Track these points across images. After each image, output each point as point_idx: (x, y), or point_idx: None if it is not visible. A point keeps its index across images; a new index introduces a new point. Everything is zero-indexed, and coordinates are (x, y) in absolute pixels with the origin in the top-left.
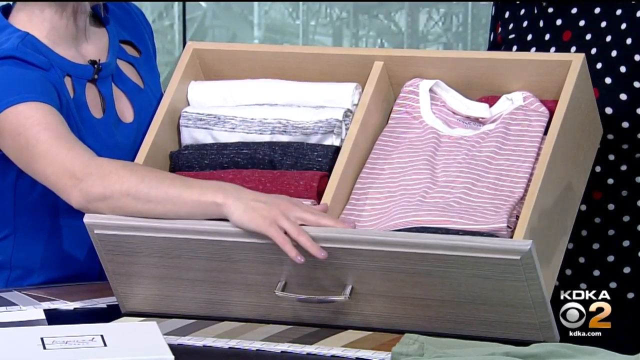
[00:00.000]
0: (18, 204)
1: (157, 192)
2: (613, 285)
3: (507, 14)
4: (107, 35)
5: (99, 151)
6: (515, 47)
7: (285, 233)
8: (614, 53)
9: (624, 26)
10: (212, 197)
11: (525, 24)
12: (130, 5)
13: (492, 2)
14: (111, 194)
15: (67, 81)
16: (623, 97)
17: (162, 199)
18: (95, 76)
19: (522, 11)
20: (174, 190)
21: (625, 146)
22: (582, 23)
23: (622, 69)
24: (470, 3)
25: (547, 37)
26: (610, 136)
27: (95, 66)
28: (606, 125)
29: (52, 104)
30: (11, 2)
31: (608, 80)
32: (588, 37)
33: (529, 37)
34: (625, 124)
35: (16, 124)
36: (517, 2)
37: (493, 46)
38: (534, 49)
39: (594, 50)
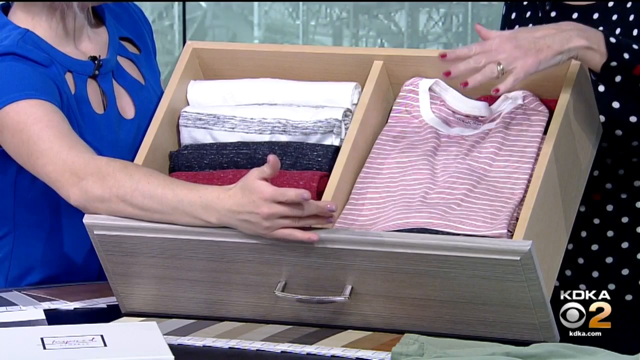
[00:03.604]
0: (18, 201)
1: (151, 203)
2: (612, 287)
3: (513, 15)
4: (106, 32)
5: (99, 147)
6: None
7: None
8: None
9: (618, 31)
10: (206, 216)
11: (530, 26)
12: (128, 2)
13: (493, 2)
14: (109, 197)
15: (68, 77)
16: (616, 105)
17: (156, 210)
18: (96, 72)
19: (528, 13)
20: (167, 202)
21: (620, 153)
22: None
23: (618, 78)
24: (470, 3)
25: None
26: (604, 144)
27: (96, 62)
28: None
29: (53, 101)
30: (10, 1)
31: (601, 88)
32: None
33: None
34: (618, 132)
35: (17, 120)
36: (524, 3)
37: None
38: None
39: None
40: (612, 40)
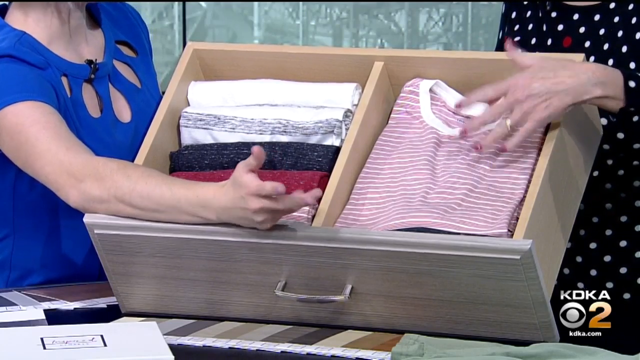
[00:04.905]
0: (17, 204)
1: (149, 203)
2: (610, 285)
3: (514, 14)
4: (103, 36)
5: (97, 151)
6: (519, 51)
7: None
8: (610, 62)
9: (620, 34)
10: (205, 214)
11: (530, 26)
12: (125, 5)
13: (493, 2)
14: (107, 198)
15: (64, 80)
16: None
17: (155, 209)
18: (92, 76)
19: (529, 13)
20: (165, 202)
21: (621, 155)
22: (582, 30)
23: (635, 117)
24: (470, 3)
25: (549, 42)
26: (606, 146)
27: (92, 66)
28: (602, 135)
29: (51, 103)
30: (7, 2)
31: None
32: (587, 44)
33: (533, 40)
34: (620, 135)
35: (15, 122)
36: (525, 2)
37: (500, 45)
38: (537, 53)
39: (592, 59)
40: (632, 84)
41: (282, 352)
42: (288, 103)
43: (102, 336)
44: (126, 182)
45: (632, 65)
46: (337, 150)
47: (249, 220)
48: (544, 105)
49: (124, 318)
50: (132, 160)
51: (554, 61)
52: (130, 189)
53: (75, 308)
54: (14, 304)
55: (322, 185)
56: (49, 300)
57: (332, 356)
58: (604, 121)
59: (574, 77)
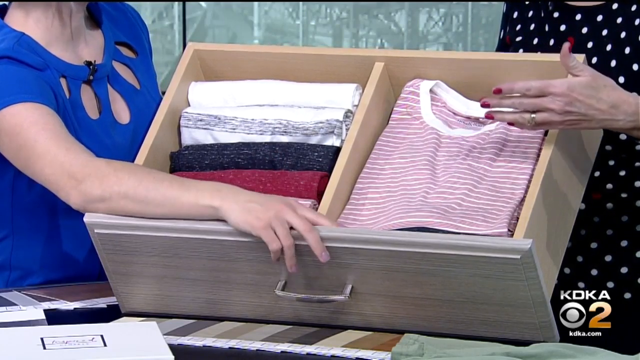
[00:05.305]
0: (16, 205)
1: (155, 194)
2: (610, 285)
3: (515, 14)
4: (102, 37)
5: (96, 152)
6: (521, 51)
7: (291, 229)
8: (613, 63)
9: (623, 35)
10: (209, 200)
11: (532, 26)
12: (125, 5)
13: (493, 2)
14: (109, 195)
15: (63, 82)
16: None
17: (160, 202)
18: (91, 77)
19: (530, 13)
20: (171, 193)
21: (624, 155)
22: (584, 30)
23: (621, 79)
24: (470, 3)
25: (552, 42)
26: (608, 147)
27: (91, 67)
28: (604, 136)
29: (49, 104)
30: (7, 2)
31: None
32: (590, 45)
33: (535, 40)
34: (622, 136)
35: (14, 123)
36: (527, 2)
37: (502, 44)
38: (539, 53)
39: (594, 60)
40: None
41: (282, 352)
42: (288, 103)
43: (102, 336)
44: (131, 179)
45: (635, 67)
46: (337, 150)
47: (252, 216)
48: (572, 122)
49: (124, 318)
50: (132, 160)
51: (603, 82)
52: (136, 183)
53: (75, 308)
54: (14, 304)
55: (322, 185)
56: (49, 300)
57: (332, 356)
58: None
59: (612, 110)
